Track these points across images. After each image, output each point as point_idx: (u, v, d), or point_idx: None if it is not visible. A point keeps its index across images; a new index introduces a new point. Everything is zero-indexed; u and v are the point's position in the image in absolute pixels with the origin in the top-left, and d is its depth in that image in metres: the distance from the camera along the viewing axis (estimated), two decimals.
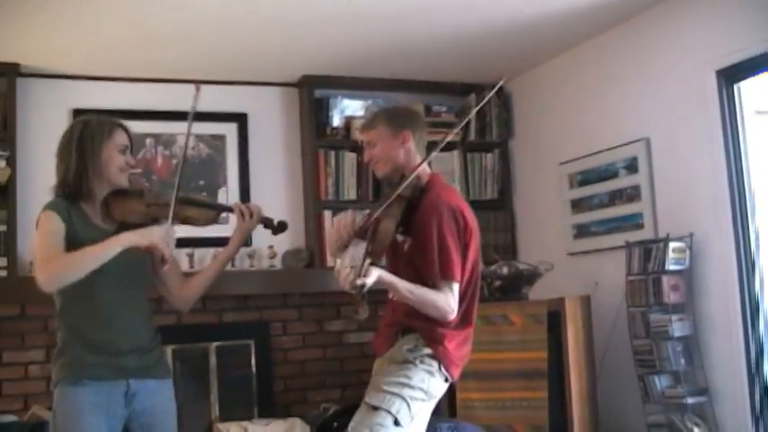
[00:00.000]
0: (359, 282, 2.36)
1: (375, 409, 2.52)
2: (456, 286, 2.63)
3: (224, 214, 2.80)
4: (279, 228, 2.81)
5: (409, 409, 2.54)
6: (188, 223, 2.66)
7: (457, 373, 2.70)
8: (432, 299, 2.58)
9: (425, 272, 2.60)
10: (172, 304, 2.75)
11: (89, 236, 2.44)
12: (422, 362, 2.61)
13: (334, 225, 2.75)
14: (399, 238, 2.67)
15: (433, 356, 2.62)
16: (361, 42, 4.59)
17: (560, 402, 4.08)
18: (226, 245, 2.75)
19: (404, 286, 2.55)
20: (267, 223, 2.79)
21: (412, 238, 2.66)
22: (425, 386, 2.60)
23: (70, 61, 4.59)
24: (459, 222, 2.65)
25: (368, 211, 2.69)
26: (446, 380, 2.66)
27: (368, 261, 2.43)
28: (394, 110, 2.97)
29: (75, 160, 2.48)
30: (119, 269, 2.42)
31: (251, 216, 2.70)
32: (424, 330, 2.64)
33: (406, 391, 2.56)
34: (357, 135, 2.91)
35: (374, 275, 2.42)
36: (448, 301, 2.60)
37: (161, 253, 2.40)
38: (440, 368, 2.63)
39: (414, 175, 2.65)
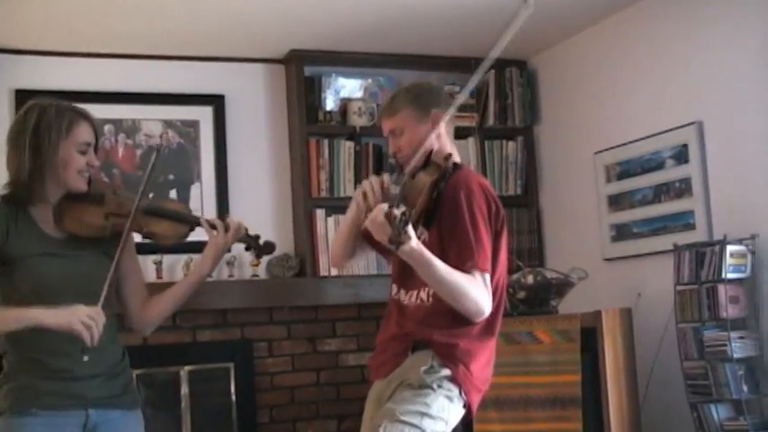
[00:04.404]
0: (397, 211, 2.32)
1: None
2: (489, 278, 2.60)
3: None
4: (264, 249, 2.79)
5: None
6: (153, 240, 2.66)
7: (477, 399, 2.69)
8: (469, 287, 2.53)
9: (453, 258, 2.56)
10: (129, 325, 2.73)
11: (34, 248, 2.45)
12: (440, 386, 2.59)
13: (357, 193, 2.74)
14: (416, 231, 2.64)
15: (452, 379, 2.60)
16: (360, 11, 4.57)
17: None
18: (201, 251, 2.73)
19: (441, 265, 2.49)
20: (249, 243, 2.76)
21: (434, 227, 2.65)
22: (445, 415, 2.59)
23: (13, 33, 4.56)
24: (490, 205, 2.65)
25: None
26: (464, 405, 2.66)
27: (402, 208, 2.39)
28: (417, 87, 2.91)
29: (27, 158, 2.46)
30: (76, 290, 2.42)
31: (226, 231, 2.66)
32: (441, 346, 2.61)
33: (426, 423, 2.54)
34: (380, 124, 2.92)
35: (413, 239, 2.39)
36: (485, 292, 2.57)
37: (82, 339, 2.32)
38: (460, 393, 2.62)
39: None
